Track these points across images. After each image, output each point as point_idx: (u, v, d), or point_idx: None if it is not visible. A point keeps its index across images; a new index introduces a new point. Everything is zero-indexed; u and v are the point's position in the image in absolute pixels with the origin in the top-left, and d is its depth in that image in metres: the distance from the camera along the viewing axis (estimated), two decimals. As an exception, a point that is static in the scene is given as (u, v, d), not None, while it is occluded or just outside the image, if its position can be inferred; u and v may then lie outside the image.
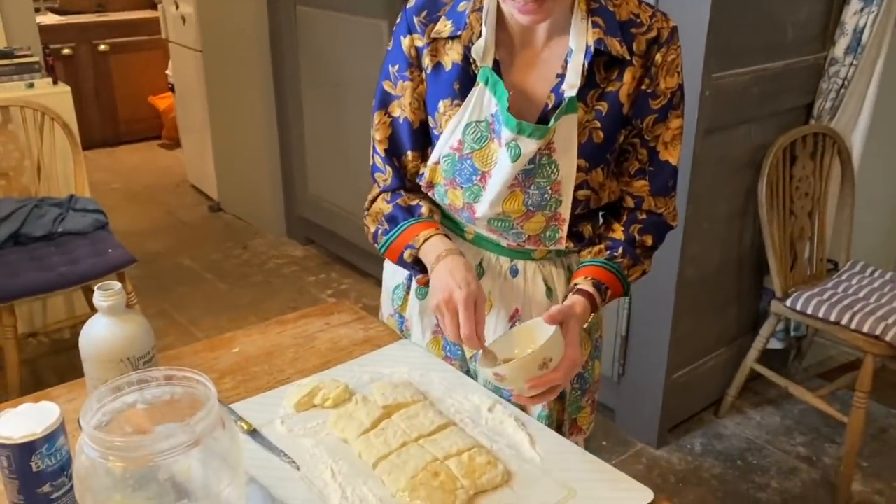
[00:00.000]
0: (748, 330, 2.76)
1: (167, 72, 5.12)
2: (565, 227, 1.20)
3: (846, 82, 2.46)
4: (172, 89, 4.92)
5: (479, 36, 1.16)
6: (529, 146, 1.13)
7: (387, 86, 1.25)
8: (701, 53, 2.11)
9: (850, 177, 2.58)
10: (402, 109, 1.24)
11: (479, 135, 1.17)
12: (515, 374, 1.04)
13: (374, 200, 1.31)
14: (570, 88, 1.13)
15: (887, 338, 2.21)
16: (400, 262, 1.25)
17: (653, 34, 1.16)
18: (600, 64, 1.15)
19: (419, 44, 1.20)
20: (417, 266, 1.23)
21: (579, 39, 1.13)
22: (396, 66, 1.23)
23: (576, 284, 1.19)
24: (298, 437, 1.10)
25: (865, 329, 2.24)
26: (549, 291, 1.28)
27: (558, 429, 1.32)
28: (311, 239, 4.06)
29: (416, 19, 1.20)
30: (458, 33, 1.17)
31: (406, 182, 1.29)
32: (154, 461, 0.75)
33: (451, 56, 1.18)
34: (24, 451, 0.86)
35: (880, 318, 2.25)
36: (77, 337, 1.05)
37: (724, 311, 2.67)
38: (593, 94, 1.16)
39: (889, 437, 2.63)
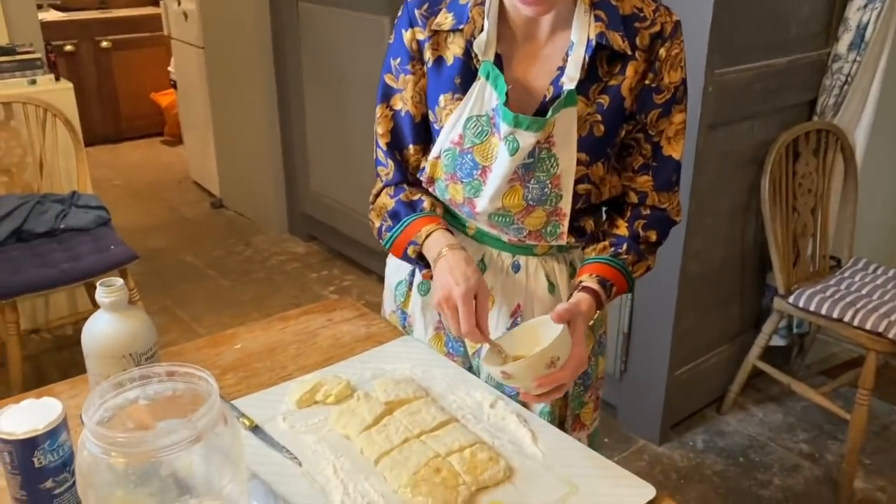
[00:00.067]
0: (751, 327, 2.76)
1: (169, 68, 5.12)
2: (566, 223, 1.20)
3: (849, 79, 2.45)
4: (174, 86, 4.92)
5: (481, 30, 1.15)
6: (527, 139, 1.12)
7: (388, 79, 1.25)
8: (704, 49, 2.10)
9: (853, 173, 2.58)
10: (403, 103, 1.24)
11: (479, 129, 1.17)
12: (524, 372, 1.04)
13: (378, 195, 1.31)
14: (570, 81, 1.13)
15: (890, 335, 2.20)
16: (405, 257, 1.25)
17: (656, 28, 1.15)
18: (602, 58, 1.15)
19: (420, 37, 1.20)
20: (422, 261, 1.23)
21: (581, 33, 1.13)
22: (398, 60, 1.23)
23: (581, 282, 1.19)
24: (300, 433, 1.10)
25: (868, 326, 2.24)
26: (552, 287, 1.28)
27: (561, 425, 1.32)
28: (314, 235, 4.06)
29: (417, 12, 1.20)
30: (460, 27, 1.17)
31: (408, 176, 1.29)
32: (156, 457, 0.75)
33: (453, 50, 1.18)
34: (26, 447, 0.86)
35: (883, 314, 2.25)
36: (79, 333, 1.05)
37: (727, 308, 2.67)
38: (595, 87, 1.15)
39: (891, 434, 2.63)
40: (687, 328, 2.46)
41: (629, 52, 1.14)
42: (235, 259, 3.91)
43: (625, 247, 1.23)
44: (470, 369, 1.32)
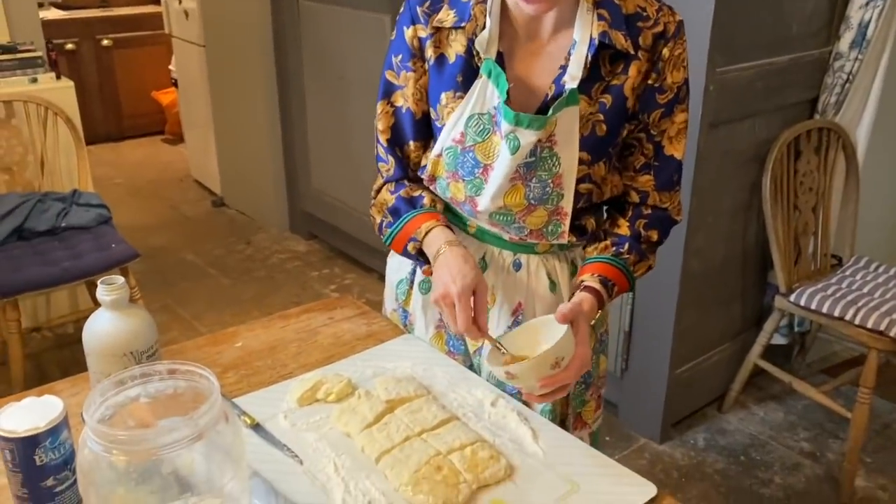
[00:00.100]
0: (752, 325, 2.76)
1: (170, 67, 5.12)
2: (567, 222, 1.20)
3: (851, 77, 2.45)
4: (175, 84, 4.92)
5: (483, 27, 1.15)
6: (528, 138, 1.12)
7: (389, 76, 1.25)
8: (705, 48, 2.10)
9: (855, 172, 2.58)
10: (404, 100, 1.24)
11: (481, 127, 1.17)
12: (528, 373, 1.04)
13: (378, 191, 1.31)
14: (572, 80, 1.13)
15: (891, 333, 2.20)
16: (405, 253, 1.25)
17: (659, 28, 1.15)
18: (605, 57, 1.14)
19: (422, 34, 1.20)
20: (422, 257, 1.23)
21: (583, 32, 1.13)
22: (399, 57, 1.23)
23: (582, 281, 1.19)
24: (301, 431, 1.10)
25: (869, 324, 2.24)
26: (553, 285, 1.28)
27: (562, 423, 1.32)
28: (314, 234, 4.06)
29: (419, 9, 1.19)
30: (462, 24, 1.16)
31: (409, 172, 1.29)
32: (157, 455, 0.75)
33: (455, 48, 1.18)
34: (27, 445, 0.86)
35: (884, 313, 2.24)
36: (80, 331, 1.05)
37: (728, 306, 2.67)
38: (598, 87, 1.15)
39: (893, 433, 2.63)
40: (688, 326, 2.45)
41: (632, 52, 1.13)
42: (236, 257, 3.91)
43: (626, 246, 1.22)
44: (471, 367, 1.32)
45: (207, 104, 4.34)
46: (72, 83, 3.04)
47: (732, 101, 2.27)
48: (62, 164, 2.89)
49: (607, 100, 1.15)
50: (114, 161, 5.29)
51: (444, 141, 1.20)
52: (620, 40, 1.12)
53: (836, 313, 2.30)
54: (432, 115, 1.23)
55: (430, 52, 1.20)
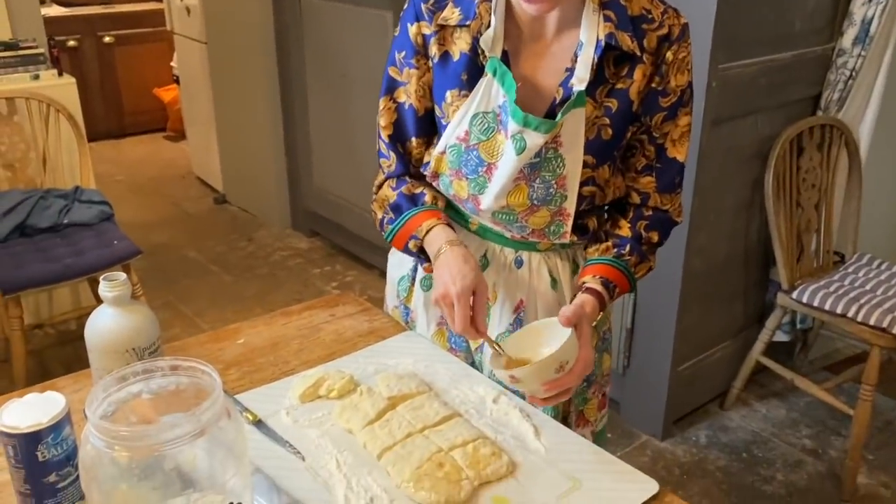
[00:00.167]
0: (754, 322, 2.75)
1: (172, 63, 5.12)
2: (570, 223, 1.20)
3: (854, 73, 2.45)
4: (177, 81, 4.91)
5: (488, 26, 1.15)
6: (535, 140, 1.12)
7: (392, 72, 1.25)
8: (708, 44, 2.10)
9: (858, 169, 2.57)
10: (407, 96, 1.24)
11: (485, 126, 1.16)
12: (532, 377, 1.04)
13: (380, 186, 1.31)
14: (579, 83, 1.12)
15: (894, 330, 2.20)
16: (406, 250, 1.25)
17: (664, 31, 1.14)
18: (610, 59, 1.14)
19: (426, 31, 1.19)
20: (423, 255, 1.23)
21: (590, 33, 1.12)
22: (403, 53, 1.23)
23: (584, 283, 1.19)
24: (303, 427, 1.10)
25: (872, 321, 2.23)
26: (554, 283, 1.28)
27: (564, 420, 1.32)
28: (316, 231, 4.06)
29: (423, 7, 1.19)
30: (467, 22, 1.16)
31: (410, 168, 1.28)
32: (159, 451, 0.75)
33: (460, 45, 1.18)
34: (30, 441, 0.86)
35: (887, 310, 2.24)
36: (83, 328, 1.05)
37: (731, 304, 2.66)
38: (602, 89, 1.15)
39: (895, 430, 2.63)
40: (690, 324, 2.45)
41: (638, 54, 1.13)
42: (238, 254, 3.91)
43: (628, 248, 1.22)
44: (473, 364, 1.32)
45: (209, 101, 4.34)
46: (74, 80, 3.04)
47: (735, 97, 2.26)
48: (64, 160, 2.89)
49: (613, 104, 1.15)
50: (115, 158, 5.29)
51: (448, 138, 1.20)
52: (627, 42, 1.12)
53: (839, 310, 2.30)
54: (437, 112, 1.23)
55: (433, 50, 1.19)
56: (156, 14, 5.24)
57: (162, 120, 5.68)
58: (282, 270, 3.74)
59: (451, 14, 1.17)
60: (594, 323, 1.19)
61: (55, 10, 5.29)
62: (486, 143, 1.17)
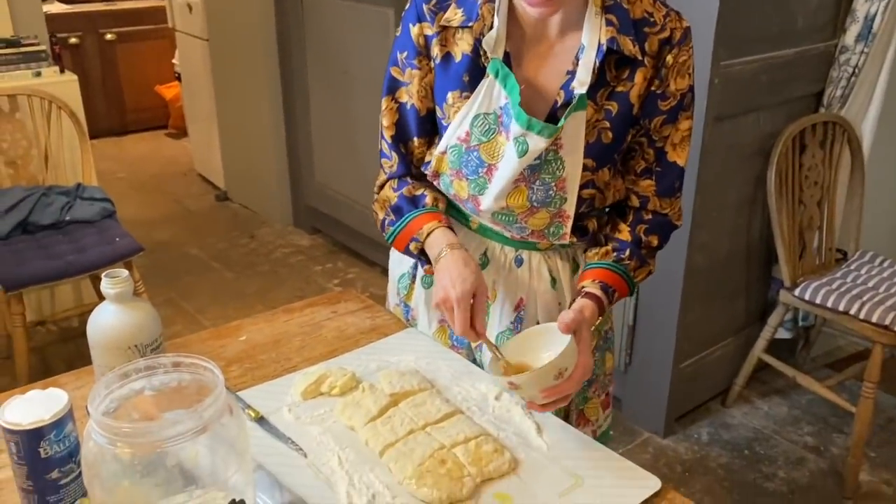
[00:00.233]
0: (756, 319, 2.75)
1: (174, 61, 5.12)
2: (569, 224, 1.20)
3: (857, 70, 2.44)
4: (179, 78, 4.91)
5: (491, 27, 1.14)
6: (537, 143, 1.12)
7: (394, 72, 1.25)
8: (710, 41, 2.09)
9: (860, 166, 2.57)
10: (409, 96, 1.23)
11: (486, 127, 1.16)
12: (531, 383, 1.03)
13: (381, 187, 1.31)
14: (581, 86, 1.12)
15: (896, 328, 2.20)
16: (407, 252, 1.25)
17: (665, 34, 1.14)
18: (611, 62, 1.13)
19: (428, 32, 1.19)
20: (424, 257, 1.23)
21: (592, 36, 1.12)
22: (405, 54, 1.22)
23: (583, 287, 1.18)
24: (305, 424, 1.10)
25: (874, 319, 2.23)
26: (554, 282, 1.28)
27: (565, 419, 1.32)
28: (318, 228, 4.06)
29: (426, 7, 1.19)
30: (470, 24, 1.16)
31: (412, 169, 1.28)
32: (162, 447, 0.75)
33: (462, 46, 1.17)
34: (32, 438, 0.86)
35: (889, 307, 2.24)
36: (85, 325, 1.05)
37: (733, 301, 2.66)
38: (603, 92, 1.14)
39: (897, 428, 2.63)
40: (692, 321, 2.45)
41: (639, 57, 1.13)
42: (240, 251, 3.91)
43: (627, 252, 1.22)
44: (474, 362, 1.32)
45: (211, 98, 4.34)
46: (75, 77, 3.05)
47: (737, 94, 2.26)
48: (66, 158, 2.89)
49: (613, 107, 1.15)
50: (117, 155, 5.30)
51: (448, 139, 1.20)
52: (628, 46, 1.12)
53: (841, 308, 2.30)
54: (438, 113, 1.22)
55: (435, 51, 1.19)
56: (157, 11, 5.23)
57: (164, 117, 5.68)
58: (283, 267, 3.75)
59: (454, 15, 1.17)
60: (593, 327, 1.19)
61: (57, 7, 5.29)
62: (487, 145, 1.17)
